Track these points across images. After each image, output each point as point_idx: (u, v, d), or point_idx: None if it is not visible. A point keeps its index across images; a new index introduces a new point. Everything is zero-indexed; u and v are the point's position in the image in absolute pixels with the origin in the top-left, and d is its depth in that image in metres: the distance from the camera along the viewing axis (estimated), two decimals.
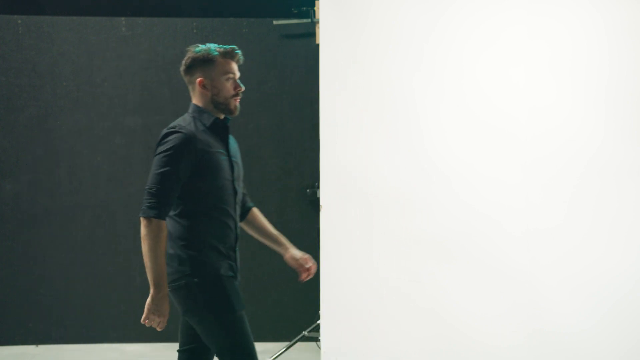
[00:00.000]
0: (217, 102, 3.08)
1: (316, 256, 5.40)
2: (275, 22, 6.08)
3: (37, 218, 6.14)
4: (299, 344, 5.61)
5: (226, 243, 3.05)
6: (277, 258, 6.24)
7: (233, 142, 3.22)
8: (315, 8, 5.71)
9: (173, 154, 2.89)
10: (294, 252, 3.27)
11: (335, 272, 4.59)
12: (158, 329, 2.95)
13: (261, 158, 6.20)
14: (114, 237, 6.15)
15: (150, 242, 2.88)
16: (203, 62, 3.06)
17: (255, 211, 3.31)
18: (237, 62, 3.18)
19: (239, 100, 3.15)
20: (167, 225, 2.93)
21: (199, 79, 3.06)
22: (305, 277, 3.25)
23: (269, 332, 6.09)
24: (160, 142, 2.95)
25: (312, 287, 5.80)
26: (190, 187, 2.95)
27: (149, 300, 2.91)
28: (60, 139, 6.16)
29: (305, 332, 5.52)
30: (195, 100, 3.11)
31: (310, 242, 6.09)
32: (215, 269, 3.00)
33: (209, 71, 3.06)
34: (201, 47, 3.08)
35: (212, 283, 3.00)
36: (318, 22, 5.25)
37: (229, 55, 3.11)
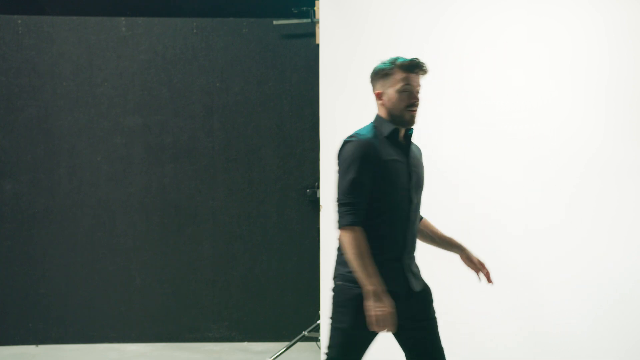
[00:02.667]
0: (392, 114, 3.10)
1: (316, 256, 5.40)
2: (275, 22, 6.08)
3: (37, 218, 6.14)
4: (299, 344, 5.61)
5: (384, 254, 2.98)
6: (277, 258, 6.26)
7: (416, 151, 3.23)
8: (315, 8, 5.71)
9: (353, 162, 2.98)
10: (469, 254, 3.28)
11: None
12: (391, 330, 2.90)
13: (261, 158, 6.21)
14: (114, 237, 6.15)
15: (352, 251, 2.90)
16: (381, 75, 3.14)
17: (426, 220, 3.32)
18: (417, 73, 3.14)
19: (414, 112, 3.10)
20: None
21: (376, 92, 3.16)
22: (486, 276, 3.28)
23: (269, 332, 6.09)
24: (339, 152, 3.08)
25: (312, 287, 5.80)
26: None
27: (367, 305, 2.87)
28: (60, 139, 6.16)
29: (305, 332, 5.52)
30: (378, 110, 3.20)
31: (310, 242, 6.09)
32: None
33: (385, 83, 3.13)
34: (385, 61, 3.15)
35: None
36: (318, 22, 5.25)
37: (405, 67, 3.11)
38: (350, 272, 2.94)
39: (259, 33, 6.21)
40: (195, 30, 6.22)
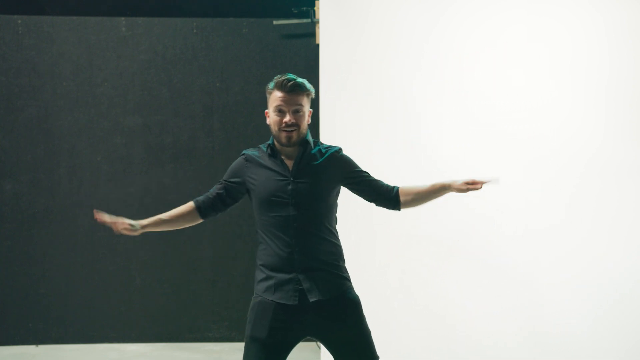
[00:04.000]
0: (272, 133, 3.15)
1: None
2: (275, 22, 6.08)
3: (37, 218, 6.14)
4: (299, 344, 5.60)
5: (270, 267, 3.08)
6: None
7: (321, 165, 3.15)
8: (315, 8, 5.72)
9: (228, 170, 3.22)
10: (457, 185, 3.15)
11: None
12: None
13: None
14: (114, 237, 6.15)
15: None
16: (267, 94, 3.19)
17: (403, 188, 3.22)
18: (295, 92, 3.11)
19: (289, 132, 3.08)
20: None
21: (266, 111, 3.18)
22: (478, 186, 3.12)
23: None
24: None
25: None
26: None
27: None
28: (60, 139, 6.16)
29: None
30: None
31: None
32: (257, 288, 3.12)
33: (269, 102, 3.17)
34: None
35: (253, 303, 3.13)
36: (318, 22, 5.25)
37: (277, 86, 3.14)
38: (257, 281, 3.09)
39: (259, 33, 6.21)
40: (195, 30, 6.22)
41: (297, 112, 3.09)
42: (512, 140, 4.64)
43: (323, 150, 3.18)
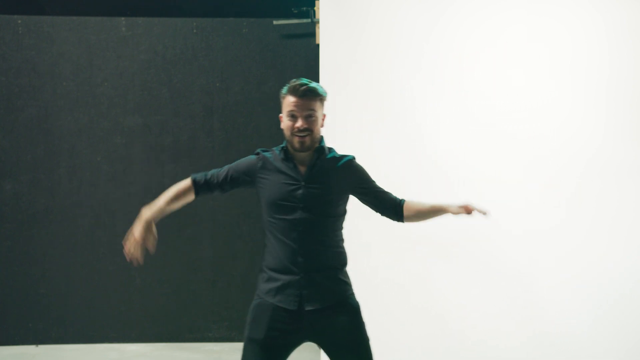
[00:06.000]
0: (285, 138, 3.14)
1: None
2: (275, 22, 6.08)
3: (37, 218, 6.14)
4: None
5: (272, 268, 3.09)
6: None
7: (334, 172, 3.15)
8: (315, 8, 5.72)
9: (236, 161, 3.22)
10: (454, 208, 3.14)
11: None
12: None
13: None
14: (114, 237, 6.14)
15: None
16: (281, 99, 3.15)
17: (408, 204, 3.22)
18: (307, 97, 3.07)
19: (302, 137, 3.07)
20: None
21: (280, 115, 3.16)
22: (470, 210, 3.11)
23: None
24: None
25: None
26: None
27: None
28: (60, 139, 6.16)
29: None
30: None
31: None
32: (259, 289, 3.12)
33: (283, 107, 3.13)
34: None
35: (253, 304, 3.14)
36: (318, 22, 5.25)
37: (290, 91, 3.10)
38: (260, 282, 3.10)
39: (259, 33, 6.21)
40: (195, 30, 6.22)
41: (309, 117, 3.07)
42: (512, 140, 4.64)
43: (338, 158, 3.18)
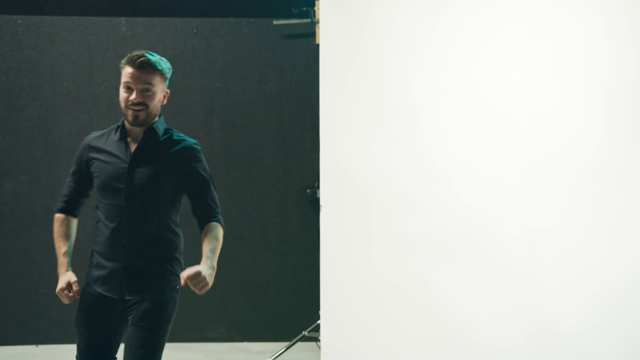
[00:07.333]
0: (122, 111, 3.05)
1: (316, 256, 5.40)
2: (275, 22, 6.08)
3: (37, 218, 6.14)
4: (299, 344, 5.61)
5: (98, 252, 3.11)
6: (277, 258, 6.25)
7: (167, 153, 3.05)
8: (315, 8, 5.71)
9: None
10: (186, 272, 2.91)
11: (335, 272, 4.59)
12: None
13: (261, 158, 6.20)
14: None
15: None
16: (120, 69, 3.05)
17: (205, 231, 3.05)
18: (138, 68, 2.97)
19: (136, 111, 2.95)
20: None
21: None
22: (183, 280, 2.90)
23: (269, 332, 6.09)
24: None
25: (312, 287, 5.80)
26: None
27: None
28: (60, 139, 6.16)
29: (305, 332, 5.52)
30: None
31: (310, 242, 6.09)
32: (88, 274, 3.14)
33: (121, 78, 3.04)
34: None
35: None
36: (318, 22, 5.24)
37: (127, 61, 3.02)
38: (89, 266, 3.13)
39: (259, 33, 6.21)
40: (195, 30, 6.22)
41: (146, 91, 2.97)
42: (512, 140, 4.64)
43: (174, 141, 3.06)
